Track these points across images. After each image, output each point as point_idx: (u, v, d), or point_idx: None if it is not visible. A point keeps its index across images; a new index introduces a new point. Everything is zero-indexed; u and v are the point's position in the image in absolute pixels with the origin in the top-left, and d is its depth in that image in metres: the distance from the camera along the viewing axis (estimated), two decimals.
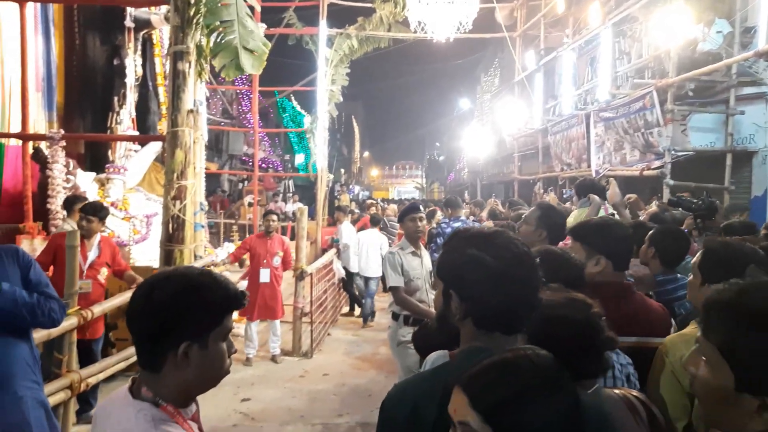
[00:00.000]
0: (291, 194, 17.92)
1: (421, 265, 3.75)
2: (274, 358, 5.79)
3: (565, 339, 1.30)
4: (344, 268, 7.76)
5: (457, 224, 5.43)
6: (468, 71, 27.10)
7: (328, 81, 13.44)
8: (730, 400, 0.95)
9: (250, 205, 13.63)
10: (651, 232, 2.60)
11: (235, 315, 6.34)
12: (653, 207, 5.46)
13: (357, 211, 12.41)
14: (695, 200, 2.97)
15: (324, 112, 13.30)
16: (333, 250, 7.88)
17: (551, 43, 13.03)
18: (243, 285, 5.60)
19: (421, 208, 3.90)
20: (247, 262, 6.09)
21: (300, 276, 6.05)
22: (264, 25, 11.23)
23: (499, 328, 1.22)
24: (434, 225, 6.51)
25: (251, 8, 4.94)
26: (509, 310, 1.21)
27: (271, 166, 22.47)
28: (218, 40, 5.26)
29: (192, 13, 5.12)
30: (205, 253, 5.85)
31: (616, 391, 1.54)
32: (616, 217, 3.64)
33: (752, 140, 7.51)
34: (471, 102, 27.35)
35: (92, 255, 4.26)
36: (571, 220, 4.53)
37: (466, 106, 28.83)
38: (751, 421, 0.93)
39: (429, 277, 3.79)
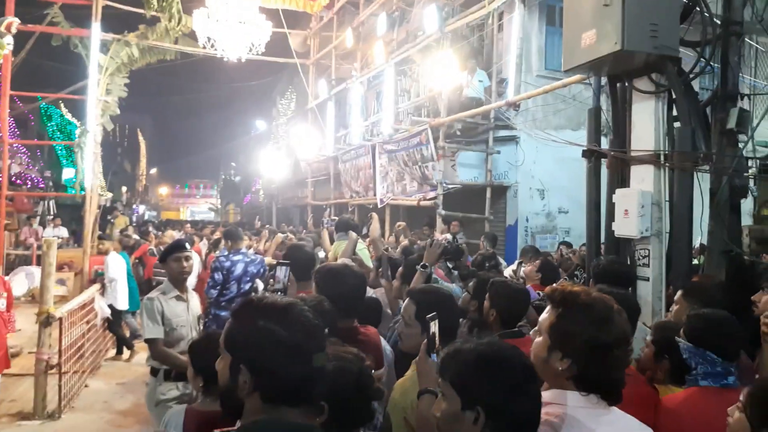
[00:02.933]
0: (51, 217, 15.42)
1: (187, 310, 3.34)
2: None
3: (342, 389, 1.54)
4: (110, 306, 6.80)
5: (237, 257, 5.12)
6: (264, 93, 26.81)
7: (101, 90, 11.96)
8: (459, 420, 1.29)
9: None
10: (489, 293, 2.63)
11: None
12: (405, 241, 5.93)
13: (135, 236, 11.06)
14: (447, 244, 3.30)
15: (96, 124, 11.79)
16: (96, 286, 6.87)
17: (342, 74, 13.52)
18: None
19: (187, 246, 3.50)
20: None
21: (46, 321, 5.07)
22: (17, 20, 9.59)
23: (287, 401, 1.24)
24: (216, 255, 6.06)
25: None
26: (300, 382, 1.24)
27: (29, 182, 19.16)
28: None
29: None
30: None
31: None
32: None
33: (506, 176, 8.66)
34: (267, 124, 27.10)
35: None
36: (330, 255, 4.80)
37: (262, 127, 28.49)
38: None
39: (197, 323, 3.41)
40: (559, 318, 1.49)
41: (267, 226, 11.79)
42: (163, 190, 55.07)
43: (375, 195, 10.52)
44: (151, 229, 12.63)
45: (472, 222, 8.44)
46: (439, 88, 8.34)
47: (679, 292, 2.76)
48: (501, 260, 6.08)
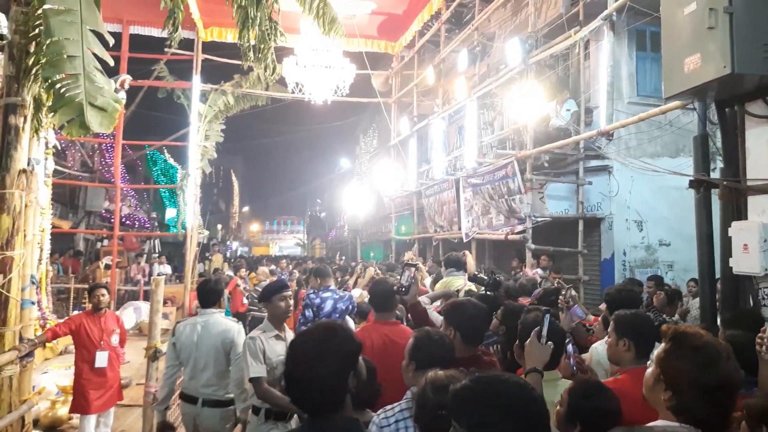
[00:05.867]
0: (156, 255, 16.58)
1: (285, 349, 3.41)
2: None
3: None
4: None
5: (326, 294, 5.20)
6: (348, 131, 27.71)
7: (201, 137, 12.91)
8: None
9: (107, 267, 12.34)
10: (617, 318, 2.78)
11: (64, 410, 5.38)
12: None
13: (230, 273, 11.61)
14: (485, 277, 3.90)
15: (196, 168, 12.68)
16: None
17: (424, 111, 13.70)
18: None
19: (288, 284, 3.61)
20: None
21: (153, 356, 5.37)
22: (129, 77, 10.56)
23: None
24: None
25: (103, 62, 4.50)
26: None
27: (137, 223, 20.81)
28: (60, 94, 4.71)
29: (30, 63, 4.57)
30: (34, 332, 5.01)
31: None
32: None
33: (599, 208, 8.26)
34: (351, 161, 27.85)
35: None
36: (438, 285, 4.86)
37: (346, 165, 29.29)
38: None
39: None
40: (667, 353, 1.64)
41: (360, 261, 11.91)
42: (254, 227, 57.71)
43: (460, 229, 10.40)
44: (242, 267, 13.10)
45: (564, 256, 8.09)
46: (524, 120, 8.20)
47: None
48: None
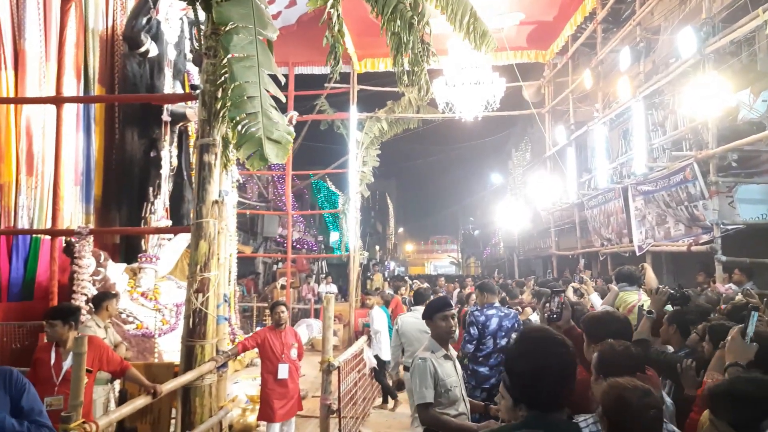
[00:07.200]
0: (324, 275, 17.76)
1: (455, 369, 3.26)
2: None
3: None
4: (375, 356, 7.37)
5: (491, 311, 5.07)
6: (498, 147, 27.23)
7: (359, 163, 13.63)
8: None
9: (283, 287, 13.49)
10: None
11: (252, 417, 5.87)
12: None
13: (390, 291, 11.93)
14: (672, 291, 3.67)
15: (356, 193, 13.40)
16: (364, 338, 7.52)
17: (581, 117, 12.96)
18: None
19: (451, 303, 3.54)
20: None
21: (327, 370, 5.69)
22: (296, 113, 11.57)
23: None
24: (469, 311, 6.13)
25: (275, 99, 4.99)
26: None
27: (305, 246, 22.57)
28: (242, 131, 5.29)
29: (218, 107, 5.20)
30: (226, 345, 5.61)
31: None
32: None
33: None
34: (503, 177, 27.29)
35: (68, 364, 3.71)
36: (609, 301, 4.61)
37: (498, 181, 28.77)
38: None
39: (463, 382, 3.38)
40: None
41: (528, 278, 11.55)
42: (409, 247, 59.10)
43: (631, 241, 9.54)
44: (407, 279, 13.46)
45: (764, 269, 6.97)
46: (703, 117, 7.32)
47: None
48: None
